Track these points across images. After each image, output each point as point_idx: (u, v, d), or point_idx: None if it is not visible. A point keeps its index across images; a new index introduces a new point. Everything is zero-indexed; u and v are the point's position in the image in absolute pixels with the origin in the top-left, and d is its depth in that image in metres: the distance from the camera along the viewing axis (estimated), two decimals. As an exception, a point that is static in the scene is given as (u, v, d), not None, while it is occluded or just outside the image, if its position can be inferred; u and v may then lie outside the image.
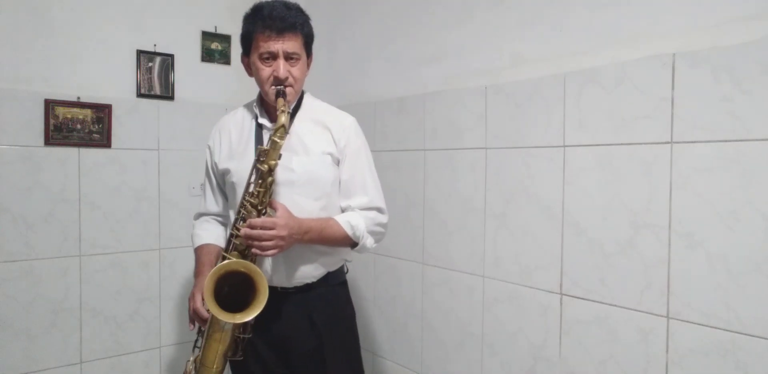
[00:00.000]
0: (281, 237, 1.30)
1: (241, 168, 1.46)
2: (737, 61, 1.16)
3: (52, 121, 1.96)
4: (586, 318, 1.45)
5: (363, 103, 2.19)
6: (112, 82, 2.12)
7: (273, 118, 1.48)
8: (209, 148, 1.59)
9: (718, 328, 1.20)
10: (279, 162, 1.33)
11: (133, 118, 2.16)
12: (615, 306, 1.39)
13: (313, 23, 1.52)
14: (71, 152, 2.02)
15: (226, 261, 1.32)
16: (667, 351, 1.28)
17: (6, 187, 1.90)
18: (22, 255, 1.93)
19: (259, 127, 1.50)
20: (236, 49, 2.42)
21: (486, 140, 1.73)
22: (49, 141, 1.96)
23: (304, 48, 1.45)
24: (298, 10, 1.44)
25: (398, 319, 2.07)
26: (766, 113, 1.12)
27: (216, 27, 2.38)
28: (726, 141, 1.18)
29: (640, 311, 1.33)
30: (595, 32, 1.44)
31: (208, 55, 2.36)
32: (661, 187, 1.29)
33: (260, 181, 1.33)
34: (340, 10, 2.34)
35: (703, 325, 1.22)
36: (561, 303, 1.51)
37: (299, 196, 1.44)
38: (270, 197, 1.36)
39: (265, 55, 1.40)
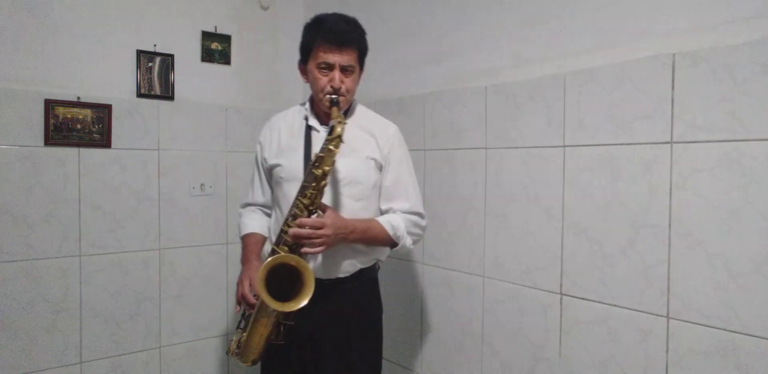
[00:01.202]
0: (328, 236, 1.40)
1: (289, 165, 1.56)
2: (737, 61, 1.16)
3: (52, 121, 1.96)
4: (586, 318, 1.45)
5: (363, 103, 2.18)
6: (112, 82, 2.12)
7: (323, 121, 1.58)
8: (260, 143, 1.69)
9: (718, 328, 1.20)
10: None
11: (133, 118, 2.16)
12: (615, 306, 1.39)
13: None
14: (71, 152, 2.02)
15: (278, 254, 1.41)
16: (667, 351, 1.28)
17: (6, 187, 1.89)
18: (22, 255, 1.93)
19: (309, 128, 1.58)
20: (236, 49, 2.44)
21: (486, 140, 1.73)
22: (49, 141, 1.96)
23: (358, 61, 1.55)
24: (356, 25, 1.55)
25: (399, 319, 2.07)
26: (766, 113, 1.12)
27: (216, 27, 2.38)
28: (726, 141, 1.18)
29: (640, 311, 1.33)
30: (595, 32, 1.44)
31: (208, 55, 2.36)
32: (661, 187, 1.29)
33: (314, 184, 1.41)
34: (340, 10, 2.33)
35: (703, 325, 1.22)
36: (561, 303, 1.51)
37: (342, 196, 1.52)
38: (321, 199, 1.44)
39: (323, 65, 1.50)
